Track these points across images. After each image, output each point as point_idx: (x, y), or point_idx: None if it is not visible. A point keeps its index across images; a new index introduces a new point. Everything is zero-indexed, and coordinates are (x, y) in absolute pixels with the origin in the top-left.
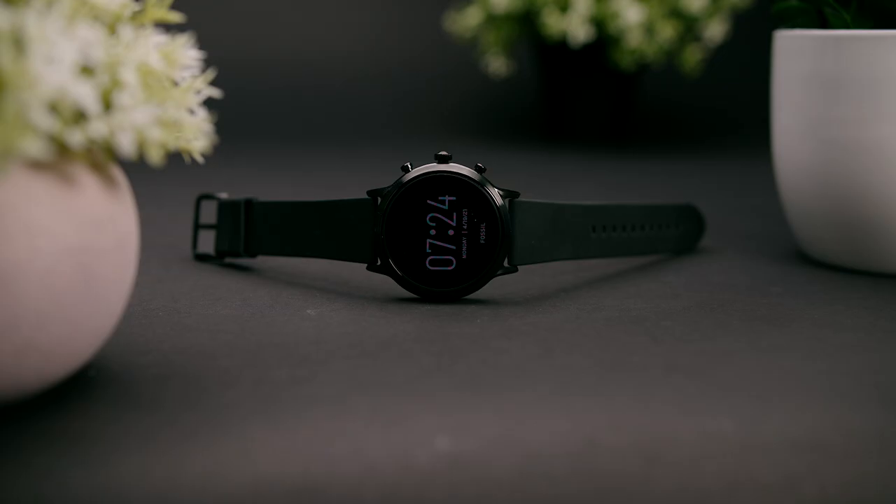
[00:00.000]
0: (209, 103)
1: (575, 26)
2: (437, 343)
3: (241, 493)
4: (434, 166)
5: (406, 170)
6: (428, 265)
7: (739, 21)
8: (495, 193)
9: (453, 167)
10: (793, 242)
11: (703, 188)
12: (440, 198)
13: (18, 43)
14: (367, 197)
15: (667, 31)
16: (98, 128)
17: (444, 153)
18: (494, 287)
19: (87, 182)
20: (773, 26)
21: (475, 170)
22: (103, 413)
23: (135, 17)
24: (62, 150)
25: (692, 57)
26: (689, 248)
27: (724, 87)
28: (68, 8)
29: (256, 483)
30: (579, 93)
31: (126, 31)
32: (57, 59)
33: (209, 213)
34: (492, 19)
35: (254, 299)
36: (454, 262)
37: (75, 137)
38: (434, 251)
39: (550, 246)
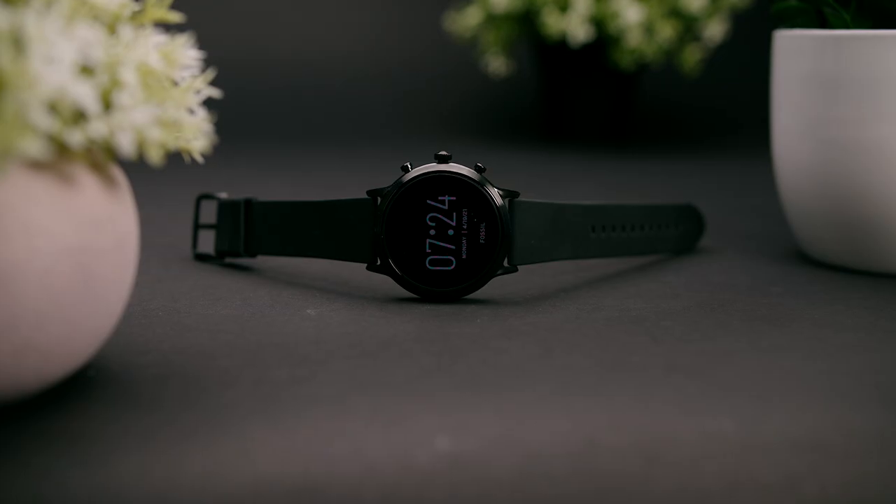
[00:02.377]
0: (209, 103)
1: (575, 26)
2: (437, 343)
3: (240, 493)
4: (434, 166)
5: (406, 170)
6: (428, 265)
7: (739, 21)
8: (495, 193)
9: (453, 167)
10: (793, 242)
11: (703, 188)
12: (440, 198)
13: (18, 43)
14: (366, 197)
15: (666, 31)
16: (98, 128)
17: (443, 153)
18: (494, 287)
19: (87, 182)
20: (773, 26)
21: (475, 170)
22: (102, 413)
23: (134, 16)
24: (62, 150)
25: (692, 57)
26: (689, 248)
27: (723, 87)
28: (68, 8)
29: (256, 483)
30: (579, 93)
31: (126, 31)
32: (56, 59)
33: (209, 213)
34: (491, 19)
35: (254, 299)
36: (454, 261)
37: (75, 137)
38: (434, 251)
39: (550, 246)
